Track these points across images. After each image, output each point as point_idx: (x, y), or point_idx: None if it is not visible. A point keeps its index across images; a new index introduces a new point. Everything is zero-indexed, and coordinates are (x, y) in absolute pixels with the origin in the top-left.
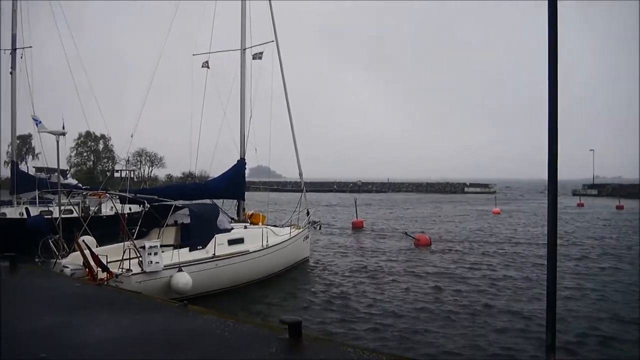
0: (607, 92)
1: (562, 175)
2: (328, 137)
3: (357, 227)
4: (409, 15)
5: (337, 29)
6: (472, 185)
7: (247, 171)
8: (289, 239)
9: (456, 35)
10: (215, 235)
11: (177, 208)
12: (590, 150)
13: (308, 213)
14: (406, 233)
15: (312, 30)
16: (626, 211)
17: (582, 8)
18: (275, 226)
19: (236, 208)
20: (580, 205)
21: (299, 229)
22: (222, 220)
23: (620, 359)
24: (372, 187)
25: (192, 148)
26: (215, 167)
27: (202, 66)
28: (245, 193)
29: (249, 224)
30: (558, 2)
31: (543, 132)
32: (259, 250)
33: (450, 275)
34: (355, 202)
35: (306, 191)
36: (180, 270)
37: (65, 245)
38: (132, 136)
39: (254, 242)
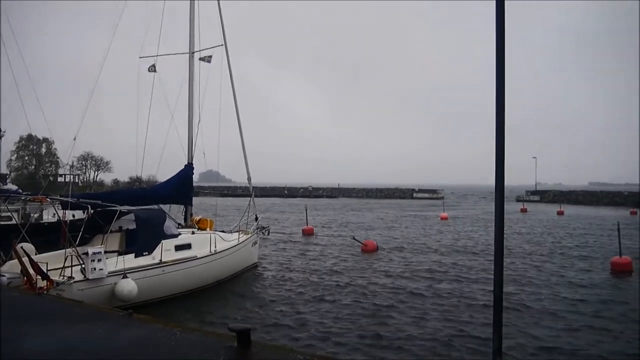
0: (553, 104)
1: (506, 181)
2: (280, 141)
3: (308, 234)
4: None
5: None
6: (420, 190)
7: (196, 176)
8: (237, 245)
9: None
10: (162, 241)
11: (122, 213)
12: (533, 157)
13: (257, 218)
14: (354, 238)
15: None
16: (566, 216)
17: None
18: (223, 232)
19: (183, 213)
20: (524, 210)
21: (248, 234)
22: (169, 226)
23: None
24: (322, 192)
25: (137, 152)
26: (163, 171)
27: (149, 70)
28: (194, 198)
29: (196, 230)
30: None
31: (488, 139)
32: (207, 256)
33: (396, 281)
34: (306, 209)
35: (257, 196)
36: (125, 277)
37: (1, 253)
38: (74, 139)
39: (202, 247)
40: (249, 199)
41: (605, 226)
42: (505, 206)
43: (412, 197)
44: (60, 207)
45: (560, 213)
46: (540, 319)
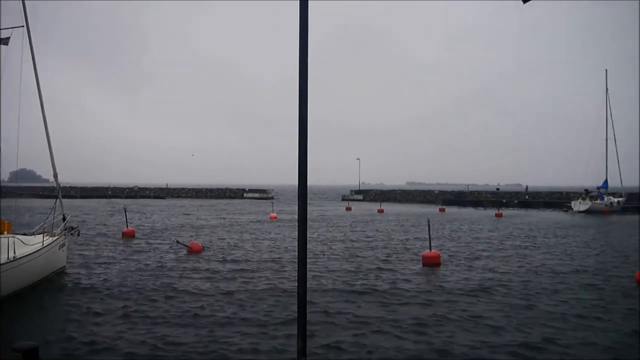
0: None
1: (335, 181)
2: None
3: (128, 236)
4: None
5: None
6: (251, 190)
7: (5, 175)
8: (41, 249)
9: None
10: None
11: None
12: (357, 159)
13: (64, 218)
14: (177, 242)
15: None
16: (385, 214)
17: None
18: (24, 234)
19: None
20: (349, 209)
21: (54, 236)
22: None
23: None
24: (150, 192)
25: None
26: None
27: None
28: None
29: None
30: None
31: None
32: (4, 264)
33: (216, 282)
34: (125, 209)
35: (77, 198)
36: None
37: None
38: None
39: None
40: (68, 199)
41: (418, 222)
42: (333, 205)
43: (243, 197)
44: None
45: (380, 211)
46: (345, 315)
